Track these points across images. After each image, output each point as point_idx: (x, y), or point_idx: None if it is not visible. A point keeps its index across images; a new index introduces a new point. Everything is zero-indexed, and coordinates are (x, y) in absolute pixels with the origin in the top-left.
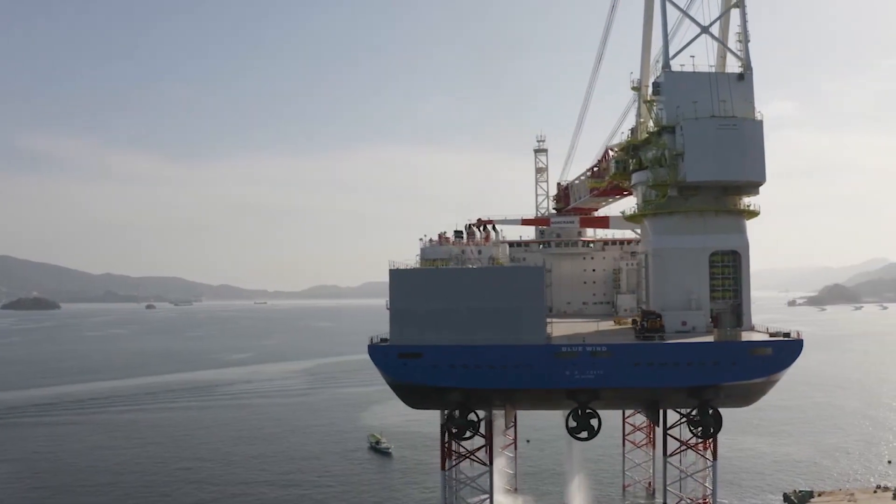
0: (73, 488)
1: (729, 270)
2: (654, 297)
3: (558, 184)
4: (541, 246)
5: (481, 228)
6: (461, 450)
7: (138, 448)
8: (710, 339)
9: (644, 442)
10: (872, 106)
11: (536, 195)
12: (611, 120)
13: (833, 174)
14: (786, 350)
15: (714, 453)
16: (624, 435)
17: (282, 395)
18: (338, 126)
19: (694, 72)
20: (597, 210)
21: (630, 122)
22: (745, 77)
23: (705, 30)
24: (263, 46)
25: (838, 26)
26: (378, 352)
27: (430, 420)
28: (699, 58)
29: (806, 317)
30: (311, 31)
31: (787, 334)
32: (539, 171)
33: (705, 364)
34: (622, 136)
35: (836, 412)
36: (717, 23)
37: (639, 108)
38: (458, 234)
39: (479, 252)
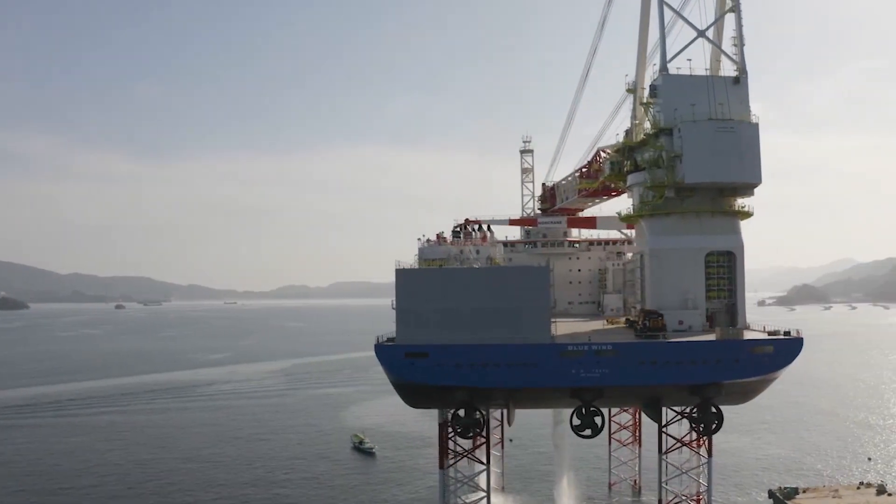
0: (55, 492)
1: (724, 270)
2: (651, 297)
3: (543, 184)
4: (527, 246)
5: (476, 228)
6: (458, 448)
7: (120, 450)
8: (712, 337)
9: (630, 440)
10: (840, 108)
11: (522, 195)
12: (597, 121)
13: (801, 176)
14: (786, 348)
15: (709, 450)
16: (610, 433)
17: (261, 395)
18: (308, 126)
19: (691, 75)
20: (583, 210)
21: (619, 123)
22: (740, 80)
23: (702, 34)
24: (234, 46)
25: (805, 29)
26: (385, 351)
27: (412, 420)
28: (691, 61)
29: (776, 317)
30: (283, 30)
31: (787, 333)
32: (525, 171)
33: (708, 362)
34: (617, 137)
35: (812, 411)
36: (712, 27)
37: (634, 110)
38: (455, 233)
39: (478, 252)
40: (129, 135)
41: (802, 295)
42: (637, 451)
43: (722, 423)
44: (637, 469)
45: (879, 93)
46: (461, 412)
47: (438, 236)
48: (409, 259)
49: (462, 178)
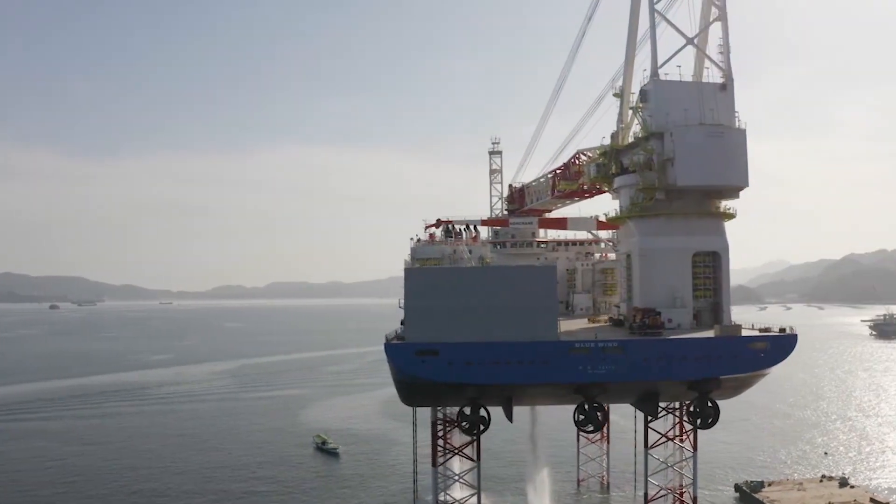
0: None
1: (709, 270)
2: (640, 296)
3: (510, 185)
4: (497, 246)
5: (464, 228)
6: (447, 446)
7: (75, 457)
8: (710, 334)
9: (597, 437)
10: (775, 112)
11: (491, 196)
12: (565, 125)
13: None
14: (781, 344)
15: (694, 445)
16: (578, 432)
17: (213, 397)
18: (245, 125)
19: (681, 81)
20: (551, 211)
21: (592, 125)
22: (727, 87)
23: (690, 41)
24: (172, 44)
25: (739, 32)
26: (395, 349)
27: (373, 419)
28: (681, 67)
29: None
30: (221, 29)
31: (782, 329)
32: (493, 172)
33: (708, 358)
34: (603, 140)
35: (763, 409)
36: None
37: (620, 114)
38: (447, 234)
39: (470, 252)
40: (63, 132)
41: (738, 296)
42: (605, 448)
43: (718, 416)
44: (605, 466)
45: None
46: (467, 410)
47: (431, 236)
48: (364, 260)
49: (400, 178)
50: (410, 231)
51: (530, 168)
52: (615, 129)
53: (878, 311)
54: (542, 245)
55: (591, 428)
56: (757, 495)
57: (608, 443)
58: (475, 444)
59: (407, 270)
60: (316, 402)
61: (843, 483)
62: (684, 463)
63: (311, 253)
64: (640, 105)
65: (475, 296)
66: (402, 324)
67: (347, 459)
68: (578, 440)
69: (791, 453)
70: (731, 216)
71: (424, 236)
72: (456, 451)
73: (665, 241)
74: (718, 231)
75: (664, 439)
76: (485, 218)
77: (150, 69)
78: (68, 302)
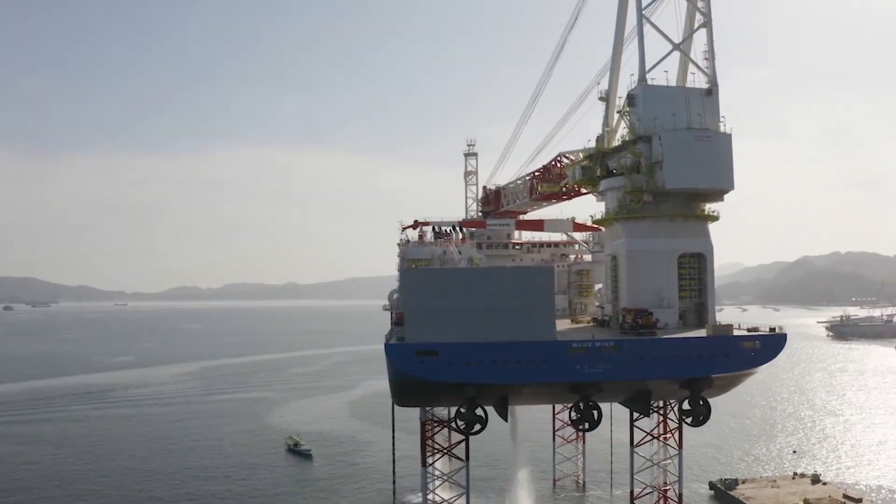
0: None
1: (694, 271)
2: (628, 297)
3: (485, 187)
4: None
5: (450, 230)
6: (436, 446)
7: (42, 462)
8: (702, 333)
9: (573, 437)
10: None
11: (466, 198)
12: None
13: None
14: (772, 343)
15: (679, 443)
16: (554, 431)
17: (180, 399)
18: (201, 125)
19: (668, 86)
20: (526, 213)
21: (571, 128)
22: (712, 92)
23: (677, 47)
24: (129, 43)
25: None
26: (395, 350)
27: (343, 420)
28: (668, 72)
29: None
30: (179, 27)
31: (772, 329)
32: (469, 174)
33: (702, 357)
34: (588, 142)
35: (727, 410)
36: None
37: (606, 117)
38: (437, 235)
39: (460, 253)
40: (15, 131)
41: None
42: (581, 448)
43: (710, 414)
44: (581, 466)
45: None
46: (463, 409)
47: (421, 237)
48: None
49: (359, 179)
50: (369, 233)
51: (505, 170)
52: (600, 132)
53: (832, 312)
54: (518, 247)
55: (587, 426)
56: (732, 493)
57: (584, 443)
58: (464, 444)
59: (406, 271)
60: (284, 405)
61: (816, 480)
62: (669, 461)
63: (268, 254)
64: (628, 109)
65: (474, 296)
66: (393, 324)
67: (321, 461)
68: (554, 440)
69: (760, 452)
70: (715, 218)
71: (402, 238)
72: (445, 451)
73: (652, 242)
74: (703, 233)
75: (649, 438)
76: (461, 219)
77: (106, 68)
78: (22, 303)
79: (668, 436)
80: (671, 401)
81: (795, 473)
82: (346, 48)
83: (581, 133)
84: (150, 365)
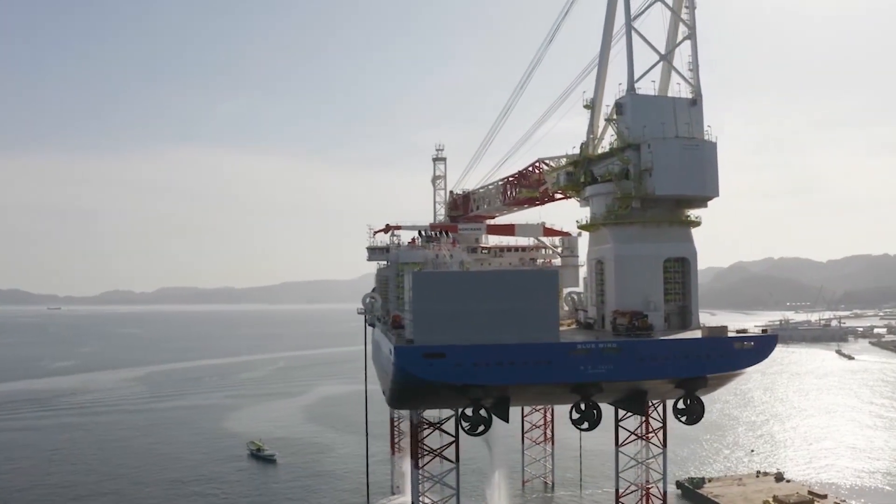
0: None
1: (679, 275)
2: (616, 300)
3: (451, 192)
4: None
5: (437, 234)
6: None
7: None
8: (698, 334)
9: (541, 439)
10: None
11: (435, 202)
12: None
13: None
14: (764, 344)
15: (664, 442)
16: (523, 432)
17: (130, 405)
18: (134, 126)
19: (656, 95)
20: (494, 218)
21: (541, 136)
22: (696, 102)
23: (664, 57)
24: (64, 42)
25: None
26: (403, 352)
27: (302, 424)
28: (647, 81)
29: None
30: (115, 27)
31: (764, 330)
32: (437, 178)
33: (699, 357)
34: (573, 149)
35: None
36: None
37: (591, 125)
38: (428, 238)
39: (450, 256)
40: None
41: None
42: (549, 450)
43: (703, 412)
44: (550, 467)
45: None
46: (468, 411)
47: (413, 240)
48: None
49: (298, 183)
50: (304, 237)
51: (472, 175)
52: (585, 139)
53: (768, 317)
54: (486, 251)
55: (587, 426)
56: (700, 491)
57: (552, 445)
58: (454, 446)
59: (414, 274)
60: (238, 410)
61: (779, 478)
62: (652, 459)
63: (202, 257)
64: (616, 117)
65: (480, 299)
66: (391, 327)
67: (286, 466)
68: (523, 442)
69: (719, 452)
70: (698, 224)
71: (372, 242)
72: (436, 453)
73: (639, 247)
74: (687, 238)
75: (633, 437)
76: (430, 223)
77: (41, 68)
78: None
79: (650, 435)
80: (665, 400)
81: (759, 472)
82: (285, 52)
83: (552, 140)
84: (95, 370)
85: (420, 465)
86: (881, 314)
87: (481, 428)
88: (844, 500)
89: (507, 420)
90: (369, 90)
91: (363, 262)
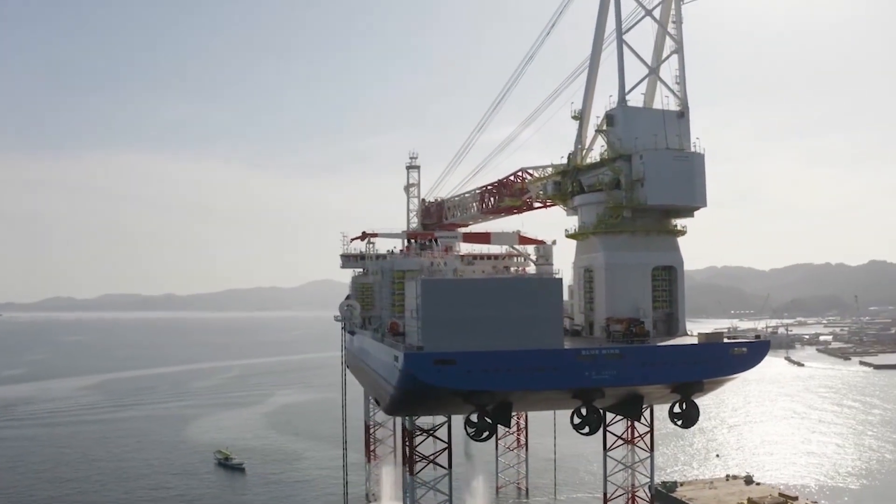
0: None
1: (666, 283)
2: (607, 307)
3: (423, 200)
4: None
5: (428, 242)
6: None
7: None
8: (694, 340)
9: (515, 445)
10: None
11: (408, 210)
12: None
13: None
14: (757, 350)
15: (651, 447)
16: (497, 439)
17: (88, 415)
18: (79, 131)
19: (646, 108)
20: (468, 226)
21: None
22: (684, 115)
23: (653, 71)
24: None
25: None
26: (414, 359)
27: (267, 432)
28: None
29: None
30: (55, 26)
31: (757, 336)
32: (411, 186)
33: (697, 362)
34: (561, 158)
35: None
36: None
37: (578, 136)
38: (422, 246)
39: (445, 264)
40: None
41: None
42: (523, 456)
43: (699, 416)
44: (524, 472)
45: None
46: (473, 417)
47: (408, 248)
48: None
49: (241, 189)
50: (252, 243)
51: (444, 184)
52: (573, 149)
53: (713, 325)
54: (459, 259)
55: (587, 431)
56: (674, 494)
57: (526, 450)
58: (447, 452)
59: (423, 281)
60: (198, 419)
61: (749, 481)
62: (639, 463)
63: (145, 263)
64: (607, 128)
65: (487, 306)
66: (388, 333)
67: (256, 475)
68: (497, 448)
69: (685, 457)
70: (683, 233)
71: (347, 248)
72: (430, 459)
73: (629, 256)
74: (674, 247)
75: (622, 442)
76: (403, 230)
77: None
78: None
79: (634, 442)
80: (651, 405)
81: (728, 475)
82: (230, 59)
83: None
84: (46, 378)
85: (415, 471)
86: (824, 322)
87: (486, 433)
88: (816, 502)
89: (508, 425)
90: (314, 98)
91: (308, 269)
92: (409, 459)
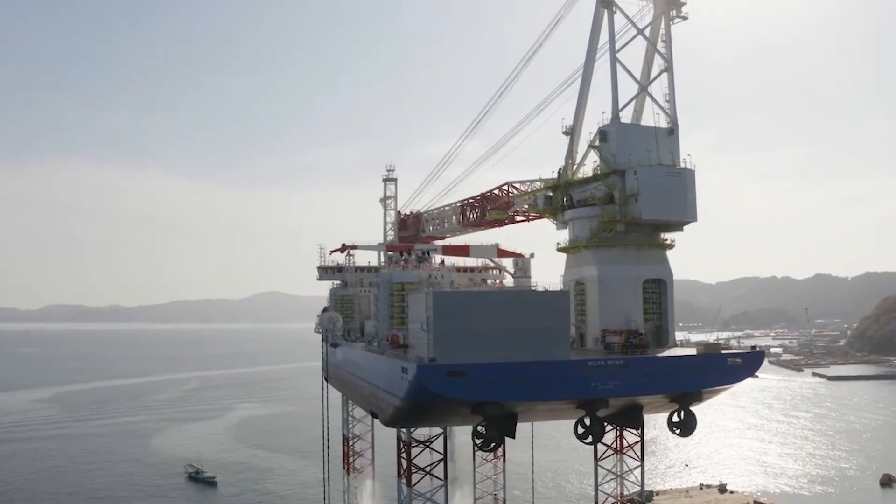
0: None
1: (656, 296)
2: (601, 319)
3: (399, 212)
4: None
5: (422, 254)
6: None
7: None
8: (692, 351)
9: (491, 457)
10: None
11: (385, 223)
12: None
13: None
14: (752, 360)
15: (641, 456)
16: (474, 450)
17: (51, 429)
18: (18, 139)
19: (638, 124)
20: (443, 239)
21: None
22: (673, 132)
23: (643, 88)
24: None
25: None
26: (427, 371)
27: (234, 445)
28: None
29: None
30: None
31: (753, 347)
32: (388, 198)
33: (696, 373)
34: (552, 173)
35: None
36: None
37: (569, 151)
38: (419, 258)
39: (443, 276)
40: None
41: None
42: (500, 467)
43: (696, 425)
44: (502, 483)
45: None
46: (482, 428)
47: (406, 260)
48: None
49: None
50: (198, 254)
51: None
52: (563, 164)
53: None
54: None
55: (590, 440)
56: None
57: (504, 461)
58: (442, 464)
59: (435, 294)
60: (163, 432)
61: (723, 489)
62: (629, 472)
63: (89, 274)
64: (600, 144)
65: (497, 318)
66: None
67: (227, 488)
68: (475, 459)
69: (656, 467)
70: (672, 247)
71: (326, 260)
72: (426, 471)
73: (621, 269)
74: (664, 260)
75: (613, 452)
76: (379, 243)
77: None
78: None
79: (623, 451)
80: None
81: (702, 484)
82: (174, 67)
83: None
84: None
85: (412, 482)
86: (772, 334)
87: (493, 444)
88: None
89: (513, 436)
90: (259, 109)
91: (256, 280)
92: (407, 471)
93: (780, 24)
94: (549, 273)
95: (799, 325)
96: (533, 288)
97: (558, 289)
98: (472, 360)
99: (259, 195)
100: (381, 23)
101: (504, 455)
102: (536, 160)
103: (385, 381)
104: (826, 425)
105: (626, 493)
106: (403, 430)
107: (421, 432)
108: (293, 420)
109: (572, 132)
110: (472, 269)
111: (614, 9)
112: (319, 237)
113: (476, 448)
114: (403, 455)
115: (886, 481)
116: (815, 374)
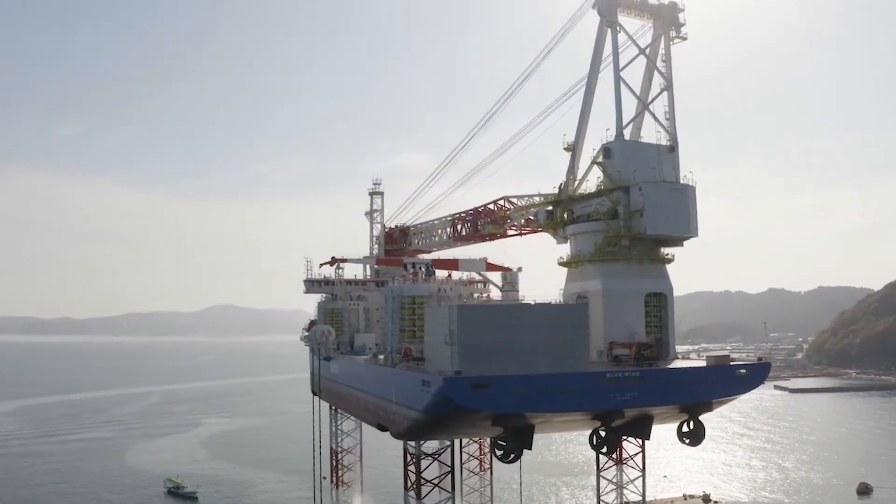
0: None
1: (657, 309)
2: (605, 333)
3: (383, 225)
4: (377, 285)
5: (422, 267)
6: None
7: None
8: (702, 363)
9: (478, 469)
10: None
11: (372, 236)
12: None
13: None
14: (759, 371)
15: (643, 466)
16: (461, 462)
17: (16, 444)
18: None
19: (641, 142)
20: (430, 252)
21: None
22: (674, 149)
23: (646, 106)
24: None
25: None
26: (454, 383)
27: (209, 459)
28: (640, 129)
29: None
30: None
31: (759, 359)
32: (375, 212)
33: (707, 383)
34: (553, 188)
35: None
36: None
37: (571, 167)
38: (428, 272)
39: (451, 289)
40: None
41: None
42: (487, 479)
43: (705, 434)
44: (489, 496)
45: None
46: (502, 440)
47: (415, 274)
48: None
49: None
50: (150, 266)
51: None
52: (564, 179)
53: None
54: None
55: (606, 450)
56: None
57: (490, 474)
58: (450, 477)
59: (459, 307)
60: (134, 446)
61: (707, 499)
62: (630, 482)
63: (38, 286)
64: (604, 160)
65: (519, 331)
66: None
67: (210, 502)
68: (461, 472)
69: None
70: (671, 261)
71: (315, 273)
72: (434, 484)
73: (625, 283)
74: (664, 274)
75: (613, 463)
76: (366, 256)
77: None
78: None
79: (621, 461)
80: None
81: (685, 495)
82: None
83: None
84: None
85: (421, 495)
86: (728, 348)
87: (513, 455)
88: None
89: (530, 448)
90: (212, 121)
91: (209, 293)
92: (416, 484)
93: (733, 41)
94: (536, 287)
95: (755, 339)
96: (549, 301)
97: (555, 301)
98: (494, 373)
99: (214, 207)
100: (344, 36)
101: (491, 467)
102: (525, 175)
103: (399, 393)
104: (796, 437)
105: (633, 500)
106: (411, 443)
107: (428, 445)
108: (268, 433)
109: (574, 148)
110: (463, 283)
111: (618, 28)
112: (278, 250)
113: (497, 459)
114: (412, 468)
115: (863, 490)
116: (777, 387)
